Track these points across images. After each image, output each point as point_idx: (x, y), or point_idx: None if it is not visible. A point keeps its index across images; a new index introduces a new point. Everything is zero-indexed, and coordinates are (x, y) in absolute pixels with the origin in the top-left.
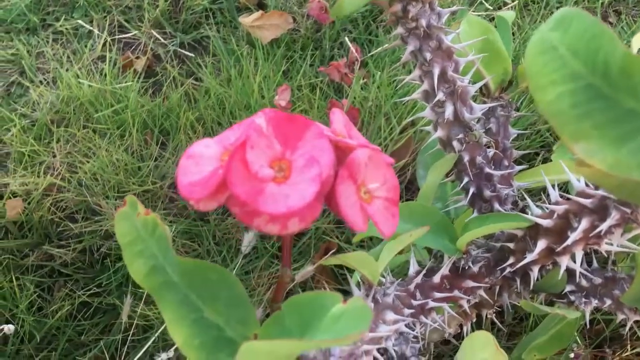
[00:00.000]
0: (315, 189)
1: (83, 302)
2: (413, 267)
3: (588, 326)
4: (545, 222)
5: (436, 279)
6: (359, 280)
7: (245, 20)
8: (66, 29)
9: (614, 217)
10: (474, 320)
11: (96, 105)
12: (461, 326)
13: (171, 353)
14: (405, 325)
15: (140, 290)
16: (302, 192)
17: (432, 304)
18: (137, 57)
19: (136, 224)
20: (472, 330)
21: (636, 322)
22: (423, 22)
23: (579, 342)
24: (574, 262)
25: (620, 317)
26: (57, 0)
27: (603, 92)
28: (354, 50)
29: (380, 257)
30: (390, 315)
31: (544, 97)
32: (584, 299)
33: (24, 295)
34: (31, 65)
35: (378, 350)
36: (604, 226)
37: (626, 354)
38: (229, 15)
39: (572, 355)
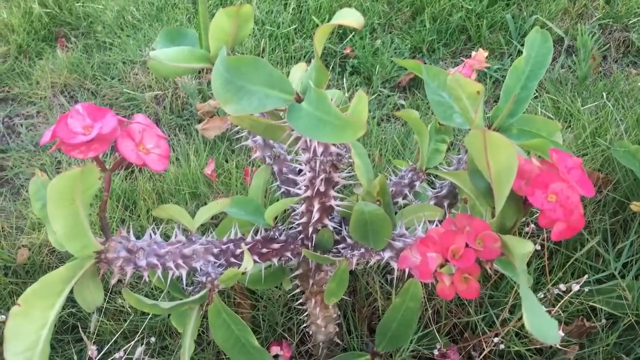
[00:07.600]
0: (97, 132)
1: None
2: (233, 231)
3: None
4: (301, 192)
5: (248, 238)
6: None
7: (198, 126)
8: None
9: (321, 177)
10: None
11: None
12: None
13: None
14: (214, 257)
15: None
16: (92, 134)
17: (238, 250)
18: None
19: (38, 182)
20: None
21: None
22: None
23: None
24: (332, 223)
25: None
26: None
27: (230, 80)
28: None
29: (197, 215)
30: (199, 247)
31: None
32: (349, 251)
33: None
34: None
35: (190, 267)
36: (318, 184)
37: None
38: (192, 126)
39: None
